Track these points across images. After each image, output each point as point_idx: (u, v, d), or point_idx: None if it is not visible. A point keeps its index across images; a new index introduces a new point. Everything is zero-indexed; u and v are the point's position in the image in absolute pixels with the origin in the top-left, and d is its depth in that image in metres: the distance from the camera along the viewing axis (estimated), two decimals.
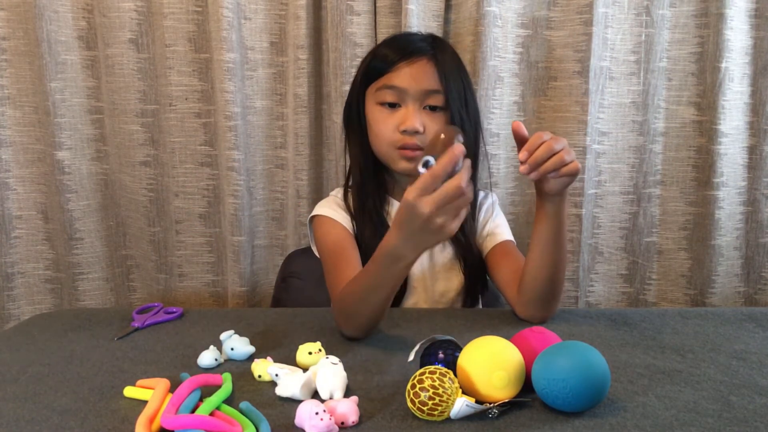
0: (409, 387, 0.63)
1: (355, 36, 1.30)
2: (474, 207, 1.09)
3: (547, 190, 0.82)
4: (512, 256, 1.04)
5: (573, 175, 0.79)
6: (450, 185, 0.66)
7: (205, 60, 1.35)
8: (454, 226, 0.68)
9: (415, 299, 1.07)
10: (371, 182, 1.06)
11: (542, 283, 0.89)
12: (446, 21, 1.33)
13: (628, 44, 1.34)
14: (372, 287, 0.80)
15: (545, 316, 0.92)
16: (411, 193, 0.67)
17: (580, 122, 1.33)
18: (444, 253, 1.08)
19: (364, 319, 0.83)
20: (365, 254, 1.03)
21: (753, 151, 1.37)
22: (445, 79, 0.98)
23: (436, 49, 1.00)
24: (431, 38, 1.04)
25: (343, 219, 1.05)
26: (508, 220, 1.14)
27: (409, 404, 0.63)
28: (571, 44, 1.32)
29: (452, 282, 1.08)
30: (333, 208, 1.07)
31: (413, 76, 0.97)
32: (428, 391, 0.62)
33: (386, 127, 0.99)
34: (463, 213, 0.69)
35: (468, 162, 0.67)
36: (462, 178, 0.65)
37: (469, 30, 1.30)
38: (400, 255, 0.74)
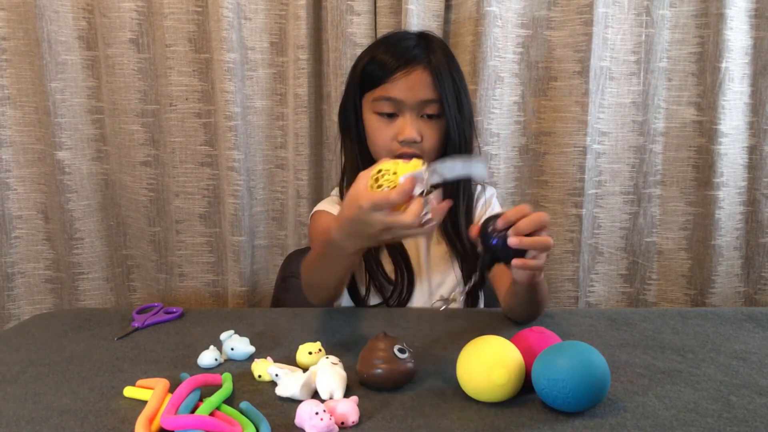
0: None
1: (355, 36, 1.30)
2: (470, 202, 1.09)
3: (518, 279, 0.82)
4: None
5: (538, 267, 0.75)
6: (404, 220, 0.68)
7: (205, 60, 1.35)
8: (390, 239, 0.72)
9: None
10: None
11: (521, 314, 0.93)
12: (446, 21, 1.33)
13: (628, 44, 1.34)
14: (321, 268, 0.86)
15: (529, 322, 0.94)
16: (366, 201, 0.68)
17: (580, 122, 1.33)
18: (439, 246, 1.09)
19: (323, 292, 0.91)
20: (365, 252, 1.04)
21: (753, 151, 1.37)
22: (441, 87, 0.98)
23: (430, 53, 1.00)
24: (424, 40, 1.03)
25: None
26: None
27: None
28: (571, 44, 1.32)
29: (448, 274, 1.09)
30: (332, 205, 1.08)
31: (410, 87, 0.98)
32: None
33: (384, 137, 1.01)
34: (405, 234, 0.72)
35: (420, 202, 0.68)
36: (412, 214, 0.67)
37: (469, 30, 1.30)
38: (342, 247, 0.77)
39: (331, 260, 0.82)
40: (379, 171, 0.69)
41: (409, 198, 0.67)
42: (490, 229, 0.73)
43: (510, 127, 1.37)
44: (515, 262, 0.72)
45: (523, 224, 0.71)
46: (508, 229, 0.72)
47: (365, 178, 0.70)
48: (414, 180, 0.67)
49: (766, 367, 0.75)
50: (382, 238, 0.71)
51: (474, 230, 0.75)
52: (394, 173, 0.68)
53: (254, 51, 1.35)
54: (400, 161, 0.70)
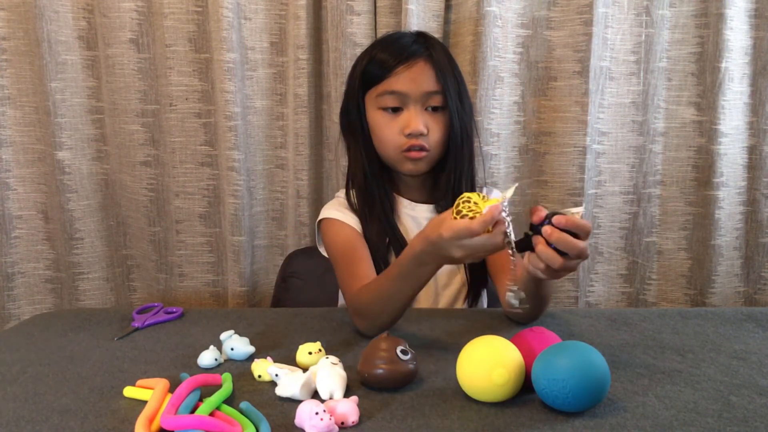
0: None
1: (355, 36, 1.30)
2: None
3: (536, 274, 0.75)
4: (506, 253, 1.03)
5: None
6: (488, 243, 0.71)
7: (205, 60, 1.35)
8: (471, 261, 0.76)
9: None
10: (376, 184, 1.06)
11: (522, 312, 0.91)
12: (446, 21, 1.33)
13: (628, 44, 1.34)
14: (396, 288, 0.84)
15: (529, 322, 0.93)
16: (447, 232, 0.72)
17: (580, 122, 1.33)
18: None
19: (385, 317, 0.86)
20: (374, 253, 1.03)
21: (753, 151, 1.37)
22: (443, 78, 0.99)
23: (430, 48, 1.01)
24: (422, 37, 1.04)
25: (351, 220, 1.06)
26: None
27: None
28: (571, 44, 1.32)
29: (454, 274, 1.09)
30: (340, 210, 1.07)
31: (413, 80, 0.98)
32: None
33: (390, 132, 1.01)
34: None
35: (504, 222, 0.71)
36: (496, 242, 0.71)
37: (469, 30, 1.30)
38: (425, 262, 0.79)
39: (411, 278, 0.82)
40: (462, 198, 0.73)
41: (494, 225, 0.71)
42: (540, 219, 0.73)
43: (510, 127, 1.37)
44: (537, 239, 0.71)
45: (559, 220, 0.69)
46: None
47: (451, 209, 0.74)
48: (496, 211, 0.70)
49: (766, 367, 0.75)
50: (460, 261, 0.75)
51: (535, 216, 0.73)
52: (476, 203, 0.72)
53: (254, 51, 1.35)
54: (481, 196, 0.74)
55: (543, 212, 0.71)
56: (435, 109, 1.01)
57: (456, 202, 0.74)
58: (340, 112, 1.10)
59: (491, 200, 0.72)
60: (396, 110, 1.00)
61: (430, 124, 1.00)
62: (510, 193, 0.73)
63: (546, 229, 0.70)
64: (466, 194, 0.74)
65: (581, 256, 0.70)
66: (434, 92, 0.99)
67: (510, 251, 0.72)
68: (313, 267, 1.24)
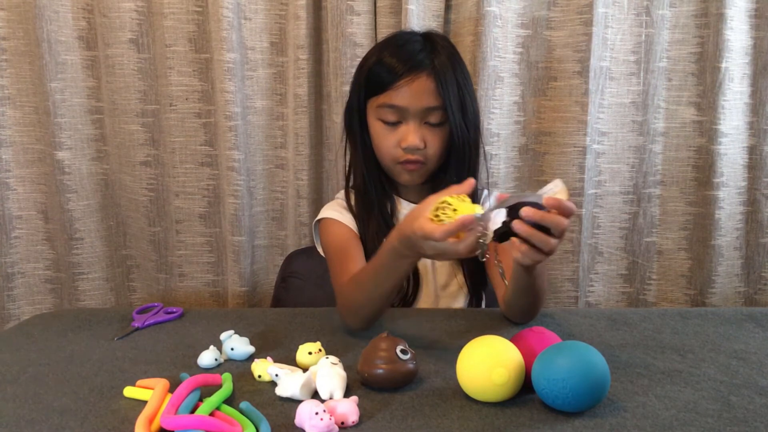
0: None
1: (355, 36, 1.30)
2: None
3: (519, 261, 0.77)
4: (505, 254, 1.03)
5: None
6: (457, 248, 0.71)
7: (205, 60, 1.35)
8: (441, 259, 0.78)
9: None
10: (374, 186, 1.07)
11: (520, 309, 0.92)
12: (446, 21, 1.33)
13: (628, 44, 1.34)
14: (377, 280, 0.84)
15: (527, 321, 0.94)
16: (419, 230, 0.72)
17: (580, 122, 1.33)
18: None
19: (367, 310, 0.87)
20: (371, 253, 1.03)
21: (753, 151, 1.37)
22: (445, 93, 0.98)
23: (434, 58, 0.99)
24: (429, 43, 1.02)
25: (348, 221, 1.07)
26: None
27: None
28: (571, 44, 1.32)
29: (453, 275, 1.09)
30: (338, 211, 1.08)
31: (414, 95, 0.97)
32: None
33: (388, 143, 1.01)
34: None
35: (475, 236, 0.71)
36: (466, 247, 0.70)
37: (469, 30, 1.30)
38: (402, 254, 0.79)
39: (391, 269, 0.82)
40: (443, 202, 0.73)
41: (467, 230, 0.71)
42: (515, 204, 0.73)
43: (510, 127, 1.37)
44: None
45: (548, 202, 0.70)
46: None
47: (430, 203, 0.73)
48: (467, 222, 0.69)
49: (766, 367, 0.75)
50: (435, 258, 0.76)
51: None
52: (454, 210, 0.72)
53: (254, 51, 1.35)
54: (466, 199, 0.73)
55: (507, 195, 0.72)
56: (435, 123, 1.00)
57: (436, 204, 0.73)
58: (344, 111, 1.10)
59: (469, 207, 0.72)
60: (395, 123, 1.00)
61: (429, 138, 1.00)
62: (489, 204, 0.73)
63: (523, 213, 0.70)
64: (447, 198, 0.73)
65: (558, 225, 0.70)
66: (434, 108, 0.98)
67: (478, 257, 0.72)
68: (313, 267, 1.24)
